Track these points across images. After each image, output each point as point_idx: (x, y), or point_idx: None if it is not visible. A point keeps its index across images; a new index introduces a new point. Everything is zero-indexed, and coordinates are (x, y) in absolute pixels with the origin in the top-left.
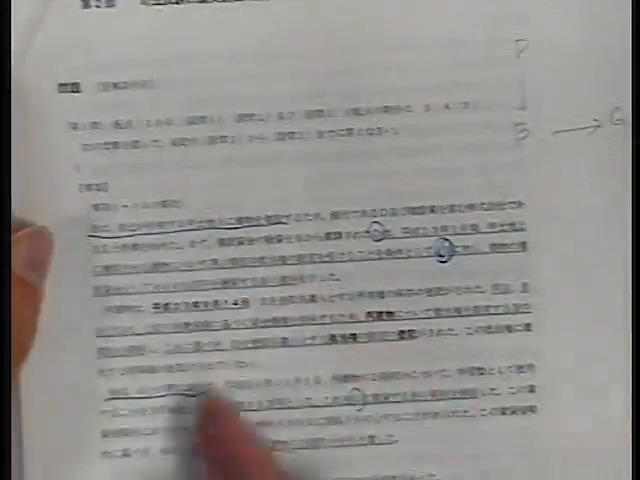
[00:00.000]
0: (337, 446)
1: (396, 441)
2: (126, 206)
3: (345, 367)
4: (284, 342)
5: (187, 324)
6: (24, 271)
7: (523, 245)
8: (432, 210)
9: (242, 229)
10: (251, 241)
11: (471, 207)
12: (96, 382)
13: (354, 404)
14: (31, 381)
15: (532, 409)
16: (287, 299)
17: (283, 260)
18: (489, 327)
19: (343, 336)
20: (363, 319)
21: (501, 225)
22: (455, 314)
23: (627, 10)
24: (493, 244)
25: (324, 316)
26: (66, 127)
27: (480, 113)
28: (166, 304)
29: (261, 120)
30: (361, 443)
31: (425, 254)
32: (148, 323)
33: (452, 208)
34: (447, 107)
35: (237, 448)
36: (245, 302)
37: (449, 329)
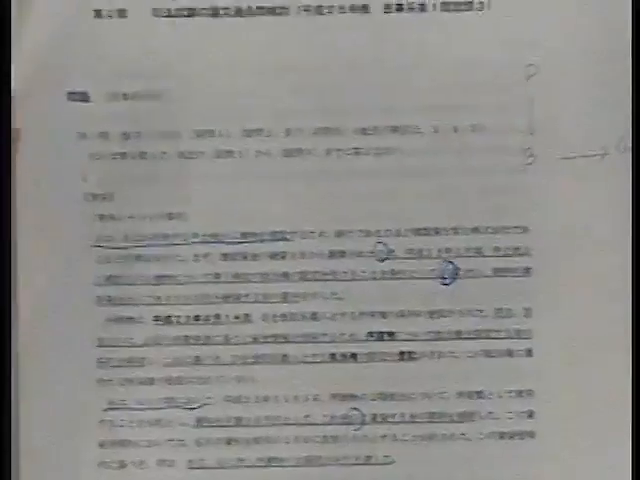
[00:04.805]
0: (334, 465)
1: (393, 462)
2: (131, 217)
3: (344, 386)
4: (284, 359)
5: (187, 337)
6: None
7: (527, 270)
8: (437, 232)
9: (246, 244)
10: (255, 256)
11: (476, 230)
12: (95, 392)
13: (352, 423)
14: (30, 390)
15: (531, 434)
16: (288, 316)
17: (286, 277)
18: (490, 351)
19: (343, 355)
20: (364, 339)
21: (505, 249)
22: (456, 337)
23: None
24: (496, 268)
25: (325, 334)
26: (74, 136)
27: (488, 136)
28: (167, 316)
29: (268, 136)
30: (358, 463)
31: (428, 276)
32: (149, 335)
33: (457, 231)
34: (455, 130)
35: None
36: (246, 317)
37: (450, 351)
